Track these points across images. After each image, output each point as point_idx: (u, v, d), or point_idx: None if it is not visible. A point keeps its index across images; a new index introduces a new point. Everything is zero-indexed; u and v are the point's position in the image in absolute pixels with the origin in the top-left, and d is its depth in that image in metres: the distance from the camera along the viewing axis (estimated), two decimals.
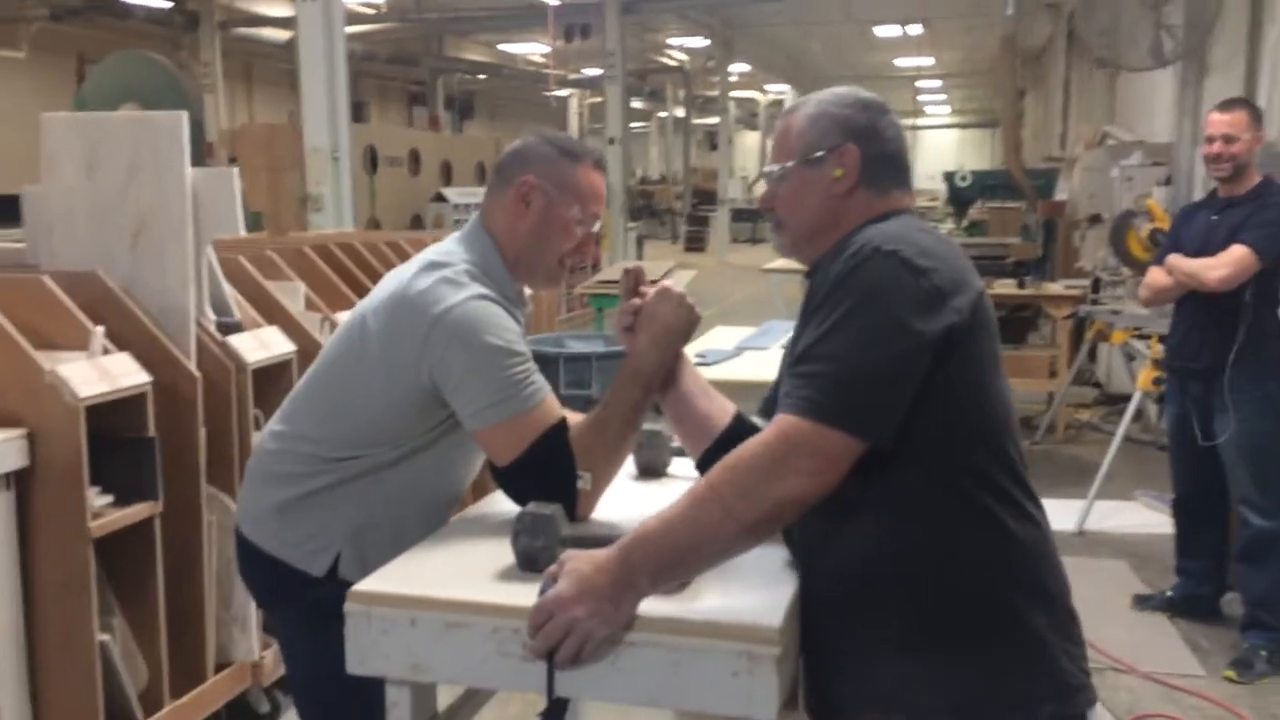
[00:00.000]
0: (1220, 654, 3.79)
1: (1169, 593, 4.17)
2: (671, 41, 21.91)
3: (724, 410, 1.85)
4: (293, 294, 3.69)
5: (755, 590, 1.55)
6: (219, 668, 3.11)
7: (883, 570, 1.50)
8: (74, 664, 2.63)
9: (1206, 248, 3.76)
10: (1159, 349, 4.74)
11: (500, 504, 1.92)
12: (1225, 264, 3.66)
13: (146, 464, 2.78)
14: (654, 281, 1.90)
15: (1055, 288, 7.32)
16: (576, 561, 1.47)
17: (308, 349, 3.49)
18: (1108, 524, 5.12)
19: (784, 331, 4.25)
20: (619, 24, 14.87)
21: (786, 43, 21.44)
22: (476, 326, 1.78)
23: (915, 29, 18.91)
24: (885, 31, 19.35)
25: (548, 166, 1.92)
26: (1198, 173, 6.91)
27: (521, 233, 1.93)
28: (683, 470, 2.12)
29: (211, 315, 3.21)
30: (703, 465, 1.81)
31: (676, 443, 2.11)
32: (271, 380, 3.32)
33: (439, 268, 1.85)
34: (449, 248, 1.93)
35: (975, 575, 1.49)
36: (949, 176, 12.44)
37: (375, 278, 4.23)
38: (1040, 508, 1.57)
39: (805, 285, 1.67)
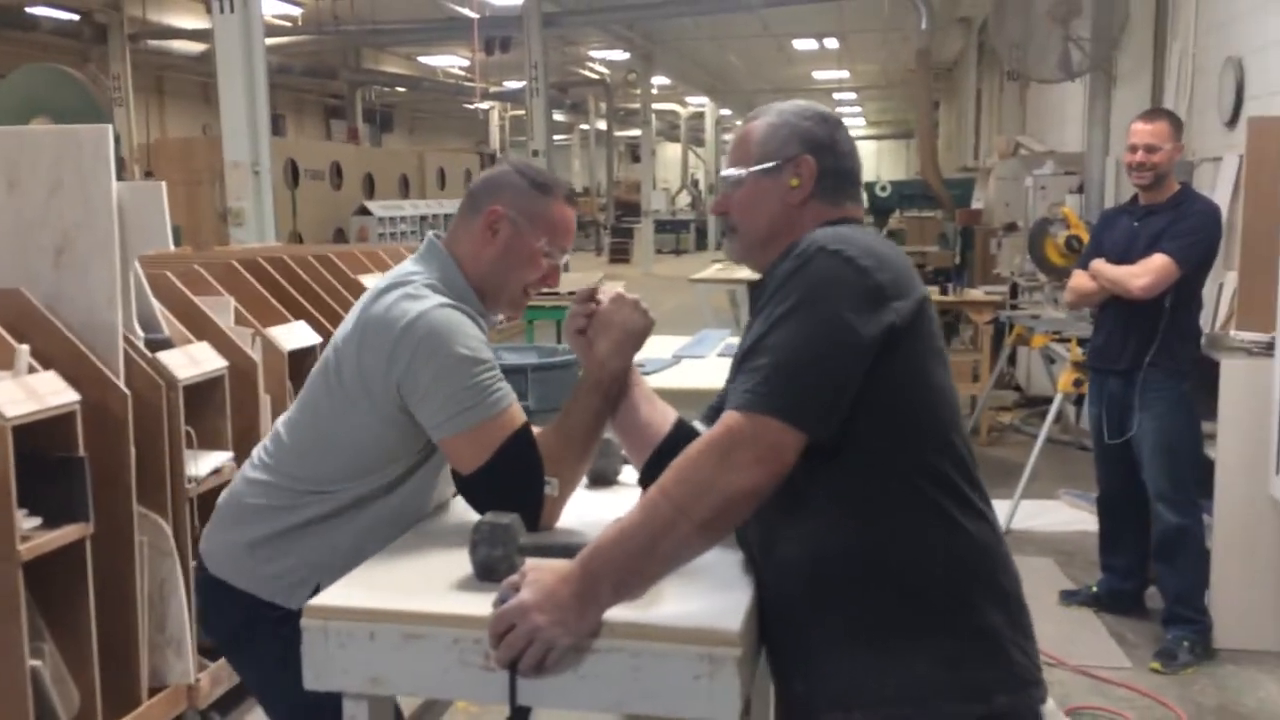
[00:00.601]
0: (1145, 646, 3.91)
1: (1094, 588, 4.29)
2: (593, 54, 21.97)
3: (665, 418, 1.86)
4: (222, 309, 3.62)
5: (715, 593, 1.56)
6: (153, 691, 3.04)
7: (833, 566, 1.52)
8: (4, 691, 2.55)
9: (1129, 253, 3.88)
10: (1078, 352, 4.87)
11: (455, 514, 1.91)
12: (1148, 272, 3.77)
13: (76, 485, 2.70)
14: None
15: (976, 294, 7.46)
16: (539, 572, 1.47)
17: (239, 365, 3.43)
18: (1034, 523, 5.24)
19: (718, 340, 4.30)
20: (540, 36, 14.85)
21: (706, 57, 21.64)
22: (442, 335, 1.78)
23: (831, 43, 19.24)
24: (802, 45, 19.64)
25: (517, 197, 1.93)
26: (1109, 181, 7.14)
27: (485, 260, 1.93)
28: (634, 478, 2.12)
29: (140, 332, 3.14)
30: (644, 475, 1.83)
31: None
32: (203, 397, 3.26)
33: (398, 287, 1.85)
34: (407, 269, 1.93)
35: (928, 570, 1.51)
36: (869, 186, 12.63)
37: (305, 291, 4.19)
38: (989, 504, 1.59)
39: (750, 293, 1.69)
